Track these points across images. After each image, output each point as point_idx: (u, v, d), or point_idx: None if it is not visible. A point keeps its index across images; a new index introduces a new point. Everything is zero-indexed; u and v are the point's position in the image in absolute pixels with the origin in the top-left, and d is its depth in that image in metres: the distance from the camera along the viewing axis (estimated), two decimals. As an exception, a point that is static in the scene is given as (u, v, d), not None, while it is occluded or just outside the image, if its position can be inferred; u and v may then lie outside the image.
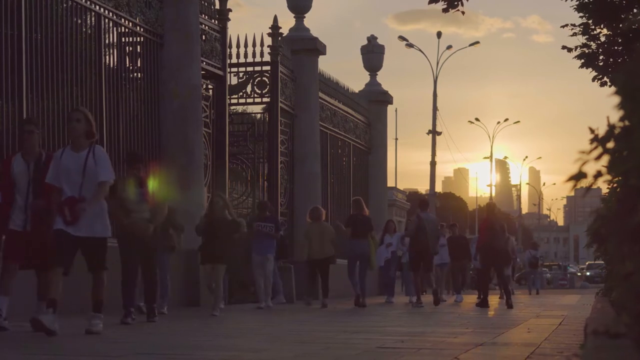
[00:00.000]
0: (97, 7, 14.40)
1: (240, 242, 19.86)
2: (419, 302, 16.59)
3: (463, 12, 13.70)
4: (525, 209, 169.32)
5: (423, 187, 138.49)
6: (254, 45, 20.40)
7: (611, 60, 15.65)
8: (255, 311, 14.83)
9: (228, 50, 18.72)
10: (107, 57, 14.90)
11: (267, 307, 15.33)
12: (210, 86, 18.04)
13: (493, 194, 68.88)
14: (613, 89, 2.64)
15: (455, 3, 13.52)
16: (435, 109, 43.88)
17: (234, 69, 20.16)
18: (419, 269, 16.89)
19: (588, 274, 55.35)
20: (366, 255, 16.97)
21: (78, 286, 11.52)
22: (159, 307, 12.74)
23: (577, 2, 15.13)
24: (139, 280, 11.06)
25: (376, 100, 28.14)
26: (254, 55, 20.41)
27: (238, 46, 20.18)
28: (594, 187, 2.78)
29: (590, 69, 15.74)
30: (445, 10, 13.62)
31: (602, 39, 15.62)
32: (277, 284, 17.24)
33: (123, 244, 10.59)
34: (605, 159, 2.64)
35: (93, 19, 14.42)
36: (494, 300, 20.26)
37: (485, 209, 17.47)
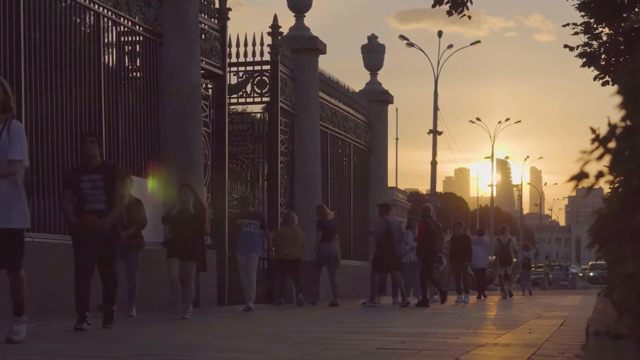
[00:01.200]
0: (96, 6, 14.35)
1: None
2: (373, 302, 17.55)
3: (469, 17, 13.64)
4: (526, 209, 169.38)
5: (424, 187, 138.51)
6: (253, 44, 20.35)
7: (613, 59, 15.61)
8: (254, 312, 14.77)
9: (228, 49, 18.66)
10: (106, 56, 14.84)
11: (247, 309, 14.38)
12: (209, 85, 17.99)
13: (494, 194, 68.85)
14: (615, 88, 2.63)
15: (460, 6, 13.46)
16: (436, 108, 43.84)
17: (234, 69, 20.11)
18: (382, 270, 17.91)
19: (591, 274, 54.83)
20: (333, 257, 17.94)
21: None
22: (127, 310, 12.22)
23: (579, 1, 15.08)
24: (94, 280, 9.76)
25: (377, 99, 28.09)
26: (253, 55, 20.36)
27: (238, 45, 20.13)
28: (596, 187, 2.77)
29: (591, 68, 15.70)
30: (449, 14, 13.56)
31: (604, 38, 15.57)
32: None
33: (75, 241, 9.47)
34: (606, 159, 2.64)
35: (92, 18, 14.37)
36: (492, 300, 20.22)
37: (421, 212, 18.35)
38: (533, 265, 35.66)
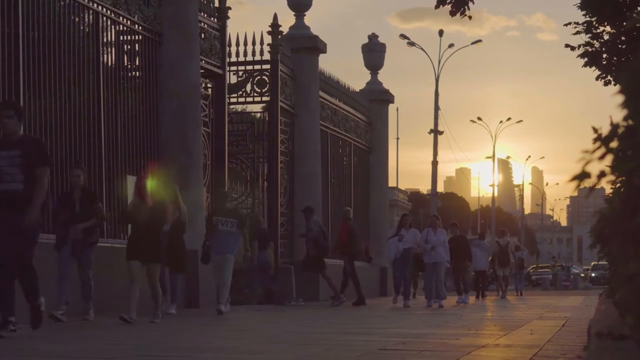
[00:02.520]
0: (95, 5, 14.30)
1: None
2: (341, 298, 18.17)
3: (470, 17, 13.59)
4: (528, 209, 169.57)
5: (424, 187, 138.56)
6: (253, 43, 20.31)
7: (615, 58, 15.53)
8: (255, 313, 14.73)
9: (227, 48, 18.61)
10: (105, 55, 14.81)
11: (219, 313, 13.38)
12: (209, 85, 17.95)
13: (495, 194, 68.82)
14: (617, 87, 2.62)
15: (462, 6, 13.40)
16: (437, 108, 43.78)
17: (234, 68, 20.07)
18: (314, 270, 18.60)
19: (593, 275, 54.59)
20: (267, 264, 18.21)
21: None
22: (84, 313, 11.27)
23: (580, 0, 15.00)
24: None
25: (377, 99, 28.05)
26: (253, 54, 20.31)
27: (237, 44, 20.09)
28: (598, 187, 2.78)
29: (593, 68, 15.63)
30: (452, 14, 13.50)
31: (606, 37, 15.49)
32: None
33: None
34: (608, 159, 2.65)
35: (91, 17, 14.32)
36: (490, 300, 20.16)
37: (343, 214, 19.77)
38: (534, 266, 35.87)
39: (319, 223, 18.91)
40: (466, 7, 13.47)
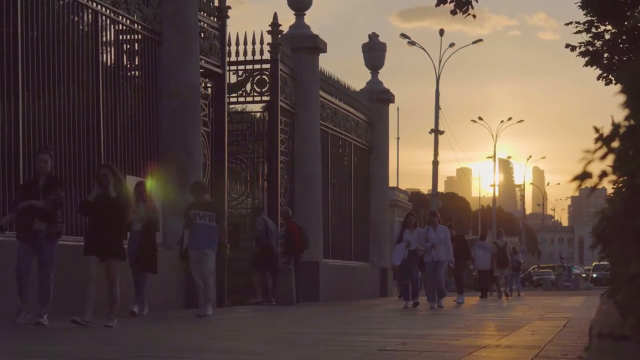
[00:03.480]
0: (94, 4, 14.26)
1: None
2: (264, 301, 18.07)
3: (474, 16, 13.54)
4: (529, 210, 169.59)
5: (425, 187, 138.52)
6: (253, 43, 20.25)
7: (616, 58, 15.49)
8: (254, 313, 14.67)
9: (227, 48, 18.55)
10: (105, 55, 14.76)
11: (205, 316, 12.73)
12: (209, 85, 17.89)
13: (496, 194, 68.78)
14: (618, 87, 2.63)
15: (464, 5, 13.34)
16: (437, 107, 43.75)
17: (233, 67, 20.01)
18: (269, 269, 18.51)
19: (594, 275, 54.41)
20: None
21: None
22: (37, 316, 10.09)
23: (582, -1, 14.96)
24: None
25: (378, 98, 27.99)
26: (253, 53, 20.26)
27: (237, 44, 20.04)
28: (599, 187, 2.78)
29: (594, 67, 15.59)
30: (453, 13, 13.45)
31: (607, 36, 15.45)
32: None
33: None
34: (610, 159, 2.65)
35: (90, 16, 14.27)
36: (491, 300, 20.06)
37: (283, 214, 19.93)
38: (535, 266, 36.05)
39: (264, 222, 18.50)
40: (469, 6, 13.41)
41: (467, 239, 25.12)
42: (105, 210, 10.16)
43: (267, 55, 20.34)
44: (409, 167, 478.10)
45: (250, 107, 21.73)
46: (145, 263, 12.76)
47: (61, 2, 13.47)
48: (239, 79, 20.38)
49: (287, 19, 22.38)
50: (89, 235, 10.51)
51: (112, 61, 15.04)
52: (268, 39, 20.37)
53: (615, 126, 2.67)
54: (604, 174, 2.68)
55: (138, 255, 12.57)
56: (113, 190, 10.27)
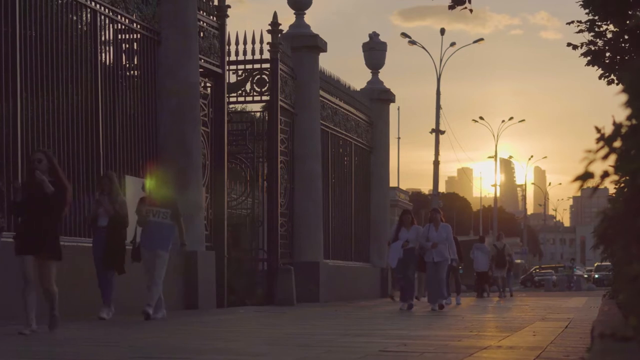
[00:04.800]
0: (93, 4, 14.22)
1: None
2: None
3: (471, 10, 13.45)
4: (530, 210, 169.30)
5: (426, 187, 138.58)
6: (253, 42, 20.20)
7: (618, 57, 15.42)
8: (254, 314, 14.62)
9: (227, 47, 18.51)
10: (103, 54, 14.72)
11: (161, 318, 11.94)
12: (208, 84, 17.85)
13: (498, 194, 68.76)
14: (620, 87, 2.61)
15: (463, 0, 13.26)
16: (438, 107, 43.71)
17: (233, 67, 19.97)
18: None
19: (597, 276, 54.28)
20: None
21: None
22: None
23: (584, -2, 14.89)
24: None
25: (378, 98, 27.95)
26: (253, 53, 20.22)
27: (237, 43, 19.99)
28: (601, 187, 2.77)
29: (596, 67, 15.53)
30: (451, 7, 13.37)
31: (609, 35, 15.39)
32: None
33: None
34: (612, 159, 2.65)
35: (89, 15, 14.24)
36: (490, 301, 19.99)
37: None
38: (536, 267, 36.21)
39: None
40: (467, 0, 13.32)
41: (467, 240, 25.41)
42: (37, 205, 9.08)
43: (266, 55, 20.31)
44: (410, 167, 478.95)
45: (250, 107, 21.73)
46: (110, 261, 11.78)
47: (60, 2, 13.42)
48: (238, 78, 20.33)
49: (287, 18, 22.35)
50: (20, 231, 9.35)
51: (111, 61, 15.00)
52: (268, 38, 20.35)
53: (617, 126, 2.66)
54: (605, 174, 2.67)
55: (103, 252, 11.68)
56: (47, 182, 9.12)
